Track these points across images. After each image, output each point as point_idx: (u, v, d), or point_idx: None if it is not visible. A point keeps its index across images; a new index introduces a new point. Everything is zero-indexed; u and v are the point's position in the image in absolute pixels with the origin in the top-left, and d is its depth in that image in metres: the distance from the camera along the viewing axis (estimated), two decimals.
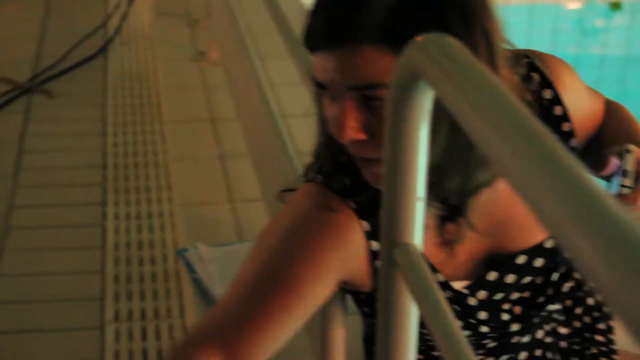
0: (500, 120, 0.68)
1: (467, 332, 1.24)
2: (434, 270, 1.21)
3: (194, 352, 1.12)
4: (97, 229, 2.94)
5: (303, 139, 2.13)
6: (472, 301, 1.24)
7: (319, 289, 1.16)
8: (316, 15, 1.12)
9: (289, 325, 1.15)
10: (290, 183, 1.27)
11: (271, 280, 1.15)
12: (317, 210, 1.18)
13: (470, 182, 1.13)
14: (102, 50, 4.23)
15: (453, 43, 0.79)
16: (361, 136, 1.11)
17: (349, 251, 1.17)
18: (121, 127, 3.60)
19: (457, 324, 0.85)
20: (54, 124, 3.63)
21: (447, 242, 1.20)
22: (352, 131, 1.11)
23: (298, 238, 1.17)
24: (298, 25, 1.68)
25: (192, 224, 2.47)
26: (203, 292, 2.16)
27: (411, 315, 0.97)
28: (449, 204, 1.17)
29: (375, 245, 1.18)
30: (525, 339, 1.29)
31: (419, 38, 0.81)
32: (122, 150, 3.43)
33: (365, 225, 1.18)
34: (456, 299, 1.23)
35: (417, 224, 0.94)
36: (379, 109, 1.09)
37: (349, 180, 1.18)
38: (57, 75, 3.99)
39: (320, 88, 1.14)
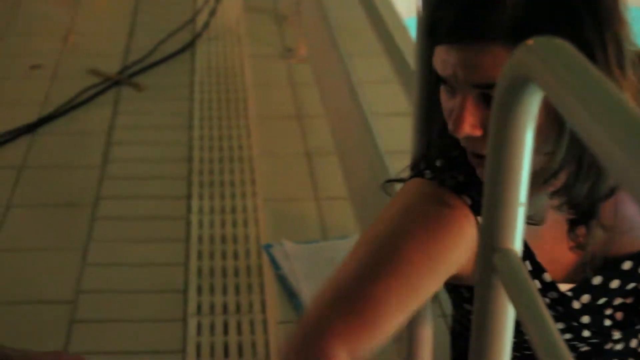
0: (615, 125, 0.66)
1: (568, 336, 1.22)
2: (541, 270, 1.20)
3: (317, 346, 1.10)
4: (181, 222, 2.97)
5: (391, 138, 2.12)
6: (575, 304, 1.22)
7: (432, 283, 1.15)
8: (445, 7, 1.10)
9: (400, 316, 1.13)
10: (393, 175, 1.25)
11: (386, 270, 1.13)
12: (433, 205, 1.16)
13: (601, 186, 1.12)
14: (190, 45, 4.27)
15: (566, 46, 0.76)
16: (477, 132, 1.10)
17: (465, 246, 1.16)
18: (207, 121, 3.63)
19: (557, 330, 0.83)
20: (142, 117, 3.68)
21: (578, 246, 1.19)
22: (469, 127, 1.09)
23: (414, 231, 1.15)
24: (391, 23, 1.68)
25: (277, 220, 2.47)
26: (287, 289, 2.16)
27: (508, 320, 0.95)
28: (580, 208, 1.15)
29: None
30: (619, 346, 1.26)
31: (530, 41, 0.79)
32: (207, 144, 3.45)
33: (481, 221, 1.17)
34: (561, 300, 1.21)
35: (518, 230, 0.92)
36: None
37: (462, 176, 1.17)
38: (146, 69, 4.04)
39: (440, 81, 1.12)
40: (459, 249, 1.16)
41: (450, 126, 1.11)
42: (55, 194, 3.14)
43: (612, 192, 1.15)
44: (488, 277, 0.94)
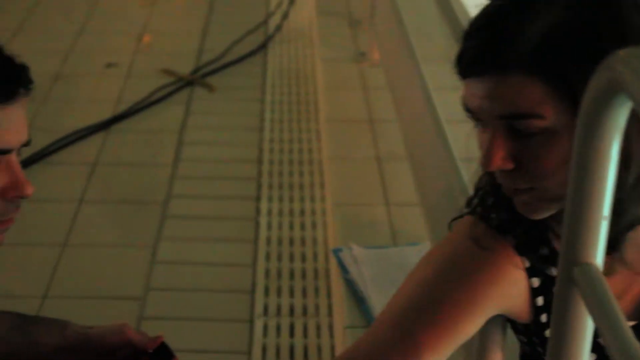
0: None
1: None
2: None
3: None
4: (250, 223, 2.98)
5: (465, 145, 2.10)
6: None
7: (470, 327, 1.16)
8: (468, 41, 1.10)
9: (438, 356, 1.14)
10: (457, 212, 1.25)
11: (423, 312, 1.15)
12: (477, 247, 1.16)
13: (624, 215, 1.08)
14: (263, 47, 4.30)
15: None
16: (509, 165, 1.08)
17: (508, 289, 1.16)
18: (278, 124, 3.64)
19: (637, 345, 0.81)
20: (213, 117, 3.71)
21: None
22: (500, 160, 1.08)
23: (455, 274, 1.16)
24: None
25: (346, 224, 2.47)
26: (355, 294, 2.15)
27: (586, 334, 0.94)
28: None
29: (536, 282, 1.16)
30: None
31: (620, 51, 0.77)
32: (277, 147, 3.47)
33: (525, 261, 1.16)
34: None
35: (600, 244, 0.90)
36: (529, 138, 1.07)
37: (507, 214, 1.16)
38: (218, 70, 4.07)
39: (472, 116, 1.12)
40: (500, 290, 1.16)
41: (481, 160, 1.11)
42: (127, 191, 3.18)
43: (634, 223, 1.11)
44: (568, 290, 0.92)
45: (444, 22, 1.86)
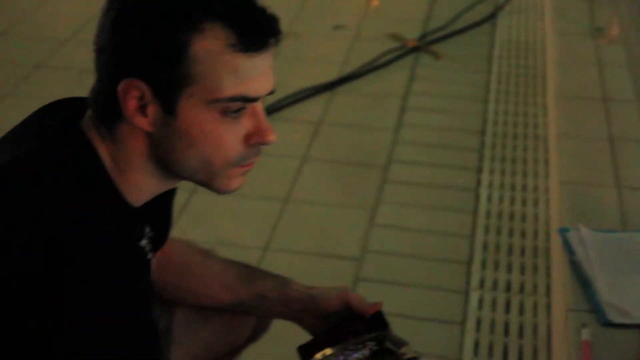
0: None
1: None
2: None
3: None
4: (470, 194, 2.94)
5: None
6: None
7: None
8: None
9: None
10: None
11: None
12: None
13: None
14: (491, 17, 4.21)
15: None
16: None
17: None
18: (503, 96, 3.57)
19: None
20: (438, 85, 3.68)
21: None
22: None
23: None
24: None
25: (572, 204, 2.39)
26: (580, 276, 2.08)
27: None
28: None
29: None
30: None
31: None
32: (502, 119, 3.40)
33: None
34: None
35: None
36: None
37: None
38: (445, 38, 4.03)
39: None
40: None
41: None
42: (349, 152, 3.21)
43: None
44: None
45: None
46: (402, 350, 1.40)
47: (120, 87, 1.14)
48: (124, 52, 1.14)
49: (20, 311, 1.07)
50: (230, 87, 1.14)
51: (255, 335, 1.70)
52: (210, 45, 1.13)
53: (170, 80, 1.13)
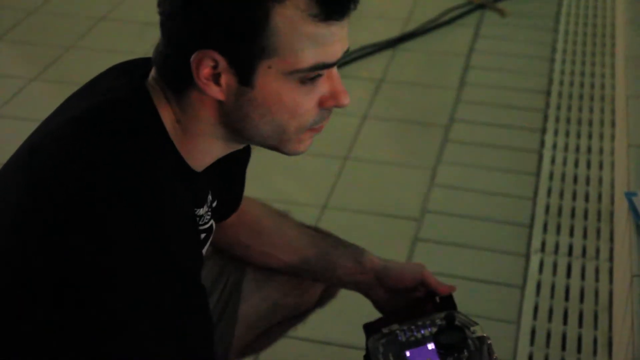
0: None
1: None
2: None
3: None
4: (533, 156, 2.89)
5: None
6: None
7: None
8: None
9: None
10: None
11: None
12: None
13: None
14: None
15: None
16: None
17: None
18: (570, 55, 3.49)
19: None
20: (503, 43, 3.61)
21: None
22: None
23: None
24: None
25: (638, 167, 2.32)
26: None
27: None
28: None
29: None
30: None
31: None
32: (567, 79, 3.33)
33: None
34: None
35: None
36: None
37: None
38: None
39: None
40: None
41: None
42: (410, 111, 3.18)
43: None
44: None
45: None
46: (472, 329, 1.36)
47: (194, 58, 1.11)
48: (200, 22, 1.10)
49: (66, 271, 1.07)
50: (310, 57, 1.12)
51: (322, 301, 1.69)
52: (291, 16, 1.09)
53: (248, 52, 1.10)
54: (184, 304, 1.10)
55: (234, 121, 1.16)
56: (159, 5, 1.15)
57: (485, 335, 1.35)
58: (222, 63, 1.11)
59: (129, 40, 3.45)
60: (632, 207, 2.13)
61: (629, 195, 2.16)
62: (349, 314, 1.84)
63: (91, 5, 3.91)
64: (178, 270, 1.10)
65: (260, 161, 2.75)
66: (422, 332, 1.37)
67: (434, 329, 1.36)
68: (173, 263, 1.10)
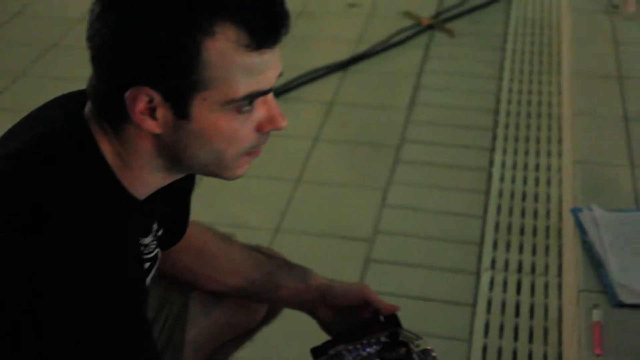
0: None
1: None
2: None
3: None
4: (482, 174, 2.92)
5: None
6: None
7: None
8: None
9: None
10: None
11: None
12: None
13: None
14: None
15: None
16: None
17: None
18: (517, 74, 3.54)
19: None
20: (452, 63, 3.65)
21: None
22: None
23: None
24: None
25: (584, 183, 2.36)
26: (592, 257, 2.06)
27: None
28: None
29: None
30: None
31: None
32: (515, 98, 3.37)
33: None
34: None
35: None
36: None
37: None
38: (460, 15, 4.00)
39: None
40: None
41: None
42: (362, 132, 3.20)
43: None
44: None
45: None
46: (416, 342, 1.39)
47: (128, 94, 1.11)
48: (132, 58, 1.10)
49: (9, 303, 1.07)
50: (244, 87, 1.13)
51: (268, 318, 1.70)
52: (222, 48, 1.10)
53: (182, 86, 1.11)
54: (125, 337, 1.11)
55: (172, 152, 1.17)
56: (89, 39, 1.14)
57: (429, 348, 1.37)
58: (157, 98, 1.12)
59: (80, 67, 3.44)
60: (578, 223, 2.16)
61: (575, 212, 2.19)
62: (299, 335, 1.85)
63: (41, 32, 3.90)
64: (118, 301, 1.11)
65: (212, 185, 2.76)
66: (368, 350, 1.39)
67: (379, 347, 1.38)
68: (114, 293, 1.10)
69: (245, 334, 1.70)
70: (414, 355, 1.35)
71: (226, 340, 1.66)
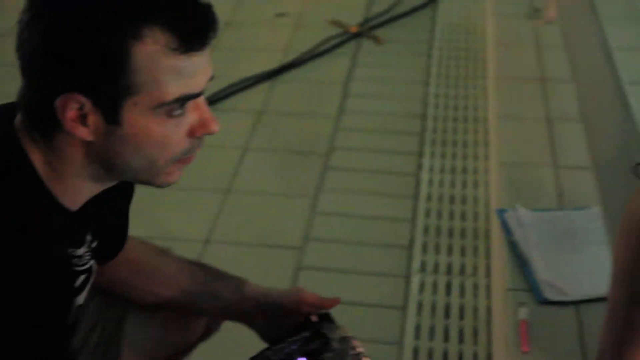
0: None
1: None
2: None
3: None
4: (411, 179, 2.95)
5: None
6: None
7: None
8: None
9: None
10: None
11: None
12: None
13: None
14: (433, 1, 4.22)
15: None
16: None
17: None
18: (444, 79, 3.57)
19: None
20: (379, 70, 3.68)
21: None
22: None
23: None
24: None
25: (511, 184, 2.40)
26: (518, 256, 2.09)
27: None
28: None
29: None
30: None
31: None
32: (442, 102, 3.41)
33: None
34: None
35: None
36: None
37: None
38: (387, 22, 4.03)
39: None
40: None
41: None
42: (291, 141, 3.20)
43: None
44: None
45: None
46: (337, 332, 1.41)
47: (59, 101, 1.10)
48: (61, 66, 1.10)
49: None
50: (174, 90, 1.12)
51: (206, 334, 1.69)
52: (151, 52, 1.10)
53: (112, 92, 1.10)
54: (31, 342, 1.10)
55: (104, 159, 1.16)
56: (18, 49, 1.14)
57: (349, 335, 1.40)
58: (88, 104, 1.11)
59: (3, 82, 3.40)
60: (503, 223, 2.20)
61: (500, 212, 2.23)
62: (238, 348, 1.84)
63: None
64: (38, 314, 1.10)
65: (141, 197, 2.73)
66: (293, 347, 1.40)
67: (301, 342, 1.39)
68: (33, 305, 1.09)
69: (183, 351, 1.69)
70: (333, 343, 1.38)
71: (164, 356, 1.65)
